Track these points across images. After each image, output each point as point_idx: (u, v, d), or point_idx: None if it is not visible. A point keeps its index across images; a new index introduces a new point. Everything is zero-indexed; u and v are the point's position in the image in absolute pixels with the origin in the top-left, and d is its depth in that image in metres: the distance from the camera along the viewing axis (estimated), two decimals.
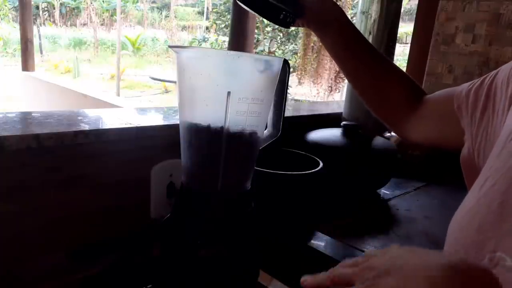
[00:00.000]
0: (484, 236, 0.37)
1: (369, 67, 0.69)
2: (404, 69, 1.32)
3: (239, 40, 3.39)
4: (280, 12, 0.64)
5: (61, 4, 15.45)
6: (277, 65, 0.58)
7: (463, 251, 0.39)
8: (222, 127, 0.55)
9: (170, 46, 0.55)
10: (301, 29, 6.75)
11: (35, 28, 8.29)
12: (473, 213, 0.41)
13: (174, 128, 0.75)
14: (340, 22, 0.66)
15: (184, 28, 14.87)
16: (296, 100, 7.62)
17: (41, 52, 12.01)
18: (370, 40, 1.18)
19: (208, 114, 0.57)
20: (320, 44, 6.53)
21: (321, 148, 0.98)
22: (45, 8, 15.45)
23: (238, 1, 0.65)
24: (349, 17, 0.68)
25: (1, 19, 13.54)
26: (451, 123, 0.59)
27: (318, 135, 1.05)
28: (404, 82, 0.70)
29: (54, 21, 15.50)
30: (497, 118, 0.49)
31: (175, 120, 0.86)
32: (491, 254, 0.36)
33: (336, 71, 7.19)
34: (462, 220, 0.42)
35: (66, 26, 15.73)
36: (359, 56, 0.68)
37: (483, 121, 0.53)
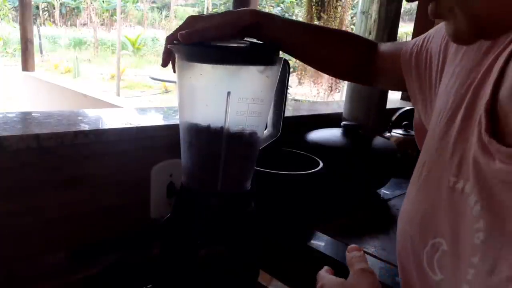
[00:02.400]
0: (426, 224, 0.41)
1: (314, 45, 0.66)
2: None
3: None
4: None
5: (61, 4, 15.44)
6: (277, 65, 0.58)
7: (410, 240, 0.43)
8: (222, 127, 0.55)
9: (170, 46, 0.55)
10: None
11: (35, 28, 8.29)
12: (416, 202, 0.44)
13: (174, 128, 0.75)
14: (263, 21, 0.61)
15: None
16: (296, 100, 7.62)
17: (41, 52, 12.00)
18: None
19: (208, 114, 0.57)
20: None
21: (321, 148, 0.98)
22: (45, 8, 15.44)
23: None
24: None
25: (1, 19, 13.54)
26: (403, 81, 0.58)
27: (318, 135, 1.05)
28: (352, 41, 0.69)
29: (54, 21, 15.50)
30: (435, 89, 0.49)
31: (175, 120, 0.86)
32: (433, 240, 0.39)
33: None
34: (408, 209, 0.46)
35: (66, 26, 15.72)
36: (300, 40, 0.65)
37: (423, 87, 0.52)
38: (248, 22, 0.58)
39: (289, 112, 1.21)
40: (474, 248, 0.34)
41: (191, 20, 0.56)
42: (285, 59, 0.59)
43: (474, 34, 0.33)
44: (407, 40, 0.72)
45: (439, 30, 0.52)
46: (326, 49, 0.67)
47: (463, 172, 0.38)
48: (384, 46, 0.66)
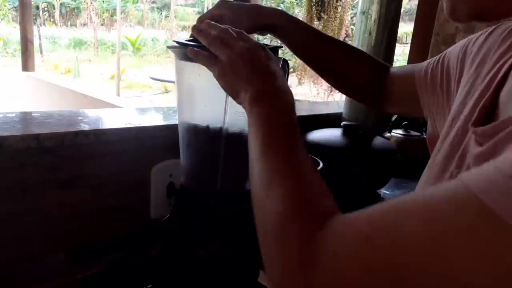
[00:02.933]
0: None
1: (332, 58, 0.69)
2: None
3: None
4: None
5: (61, 4, 15.44)
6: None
7: None
8: (221, 128, 0.55)
9: (168, 47, 0.55)
10: None
11: (35, 28, 8.28)
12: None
13: (174, 128, 0.75)
14: (284, 24, 0.63)
15: (184, 28, 14.87)
16: (296, 100, 7.60)
17: (41, 52, 11.99)
18: (370, 40, 1.18)
19: (207, 115, 0.57)
20: None
21: (321, 148, 0.98)
22: (45, 8, 15.43)
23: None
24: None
25: (1, 19, 13.54)
26: (415, 100, 0.61)
27: (318, 135, 1.05)
28: (368, 61, 0.72)
29: (54, 21, 15.49)
30: (452, 100, 0.52)
31: (175, 120, 0.86)
32: None
33: None
34: None
35: (66, 26, 15.71)
36: (317, 51, 0.68)
37: (439, 101, 0.55)
38: (265, 21, 0.61)
39: None
40: None
41: (221, 3, 0.61)
42: (284, 59, 0.59)
43: (470, 14, 0.34)
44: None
45: (457, 45, 0.55)
46: (343, 63, 0.69)
47: (464, 164, 0.40)
48: (395, 69, 0.69)
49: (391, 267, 0.26)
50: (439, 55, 0.59)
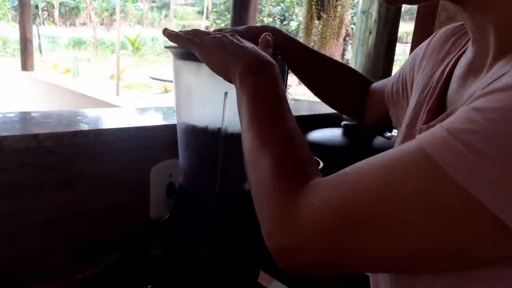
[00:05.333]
0: None
1: (323, 74, 0.72)
2: None
3: None
4: None
5: (60, 3, 15.43)
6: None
7: None
8: (219, 128, 0.55)
9: (166, 47, 0.55)
10: (300, 29, 6.75)
11: (34, 27, 8.28)
12: None
13: (173, 128, 0.75)
14: (282, 41, 0.65)
15: (184, 27, 14.87)
16: (296, 100, 7.60)
17: (41, 52, 11.99)
18: (370, 40, 1.18)
19: (206, 115, 0.57)
20: (320, 44, 6.48)
21: (321, 148, 0.98)
22: (45, 8, 15.42)
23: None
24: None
25: (0, 19, 13.52)
26: (386, 112, 0.66)
27: (318, 135, 1.05)
28: (355, 77, 0.76)
29: (53, 21, 15.49)
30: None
31: (174, 120, 0.86)
32: None
33: None
34: None
35: (66, 25, 15.71)
36: (310, 65, 0.71)
37: (403, 109, 0.59)
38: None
39: None
40: None
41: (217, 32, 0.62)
42: (283, 59, 0.59)
43: None
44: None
45: (410, 56, 0.59)
46: (333, 79, 0.73)
47: None
48: (375, 84, 0.73)
49: (353, 210, 0.31)
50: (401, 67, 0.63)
